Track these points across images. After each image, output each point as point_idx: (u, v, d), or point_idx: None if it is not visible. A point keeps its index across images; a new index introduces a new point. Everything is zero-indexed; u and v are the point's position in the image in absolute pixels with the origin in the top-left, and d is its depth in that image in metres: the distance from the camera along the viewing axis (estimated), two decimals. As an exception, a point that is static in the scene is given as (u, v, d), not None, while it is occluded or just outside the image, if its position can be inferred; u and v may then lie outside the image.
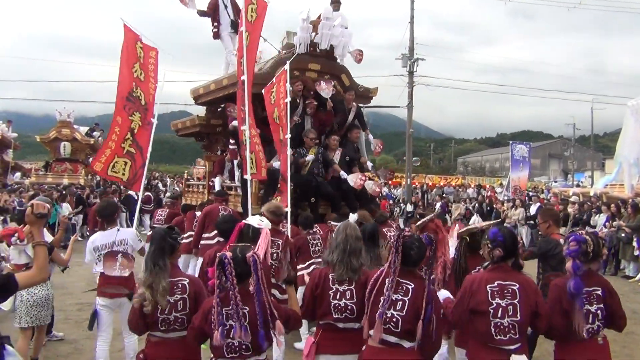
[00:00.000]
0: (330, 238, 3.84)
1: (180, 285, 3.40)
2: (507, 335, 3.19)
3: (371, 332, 3.12)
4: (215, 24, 9.39)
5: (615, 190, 17.15)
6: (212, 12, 9.39)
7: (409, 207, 21.56)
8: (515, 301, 3.21)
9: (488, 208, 18.26)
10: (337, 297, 3.38)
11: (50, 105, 24.17)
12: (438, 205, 20.32)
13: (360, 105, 8.84)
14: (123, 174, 6.56)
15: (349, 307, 3.37)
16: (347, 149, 8.01)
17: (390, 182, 19.27)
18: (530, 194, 24.59)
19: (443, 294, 3.71)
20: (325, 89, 7.88)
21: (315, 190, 7.25)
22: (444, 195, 25.14)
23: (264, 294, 2.96)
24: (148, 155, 6.75)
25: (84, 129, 24.91)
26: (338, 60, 8.44)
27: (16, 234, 5.28)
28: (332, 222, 6.60)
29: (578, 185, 32.08)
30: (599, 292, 3.43)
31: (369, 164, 8.84)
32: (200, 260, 6.49)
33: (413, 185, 28.64)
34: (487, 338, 3.24)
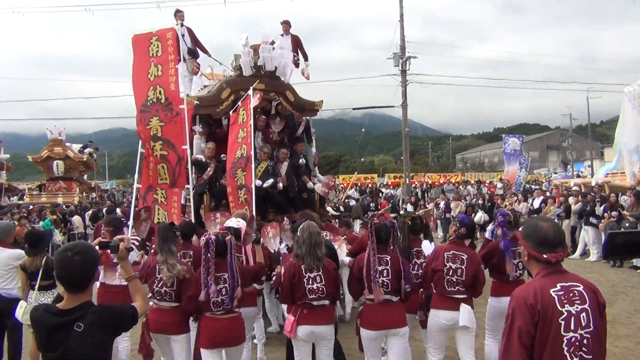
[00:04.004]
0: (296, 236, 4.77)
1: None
2: (456, 287, 4.63)
3: (370, 295, 4.41)
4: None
5: (617, 178, 16.90)
6: (177, 42, 9.85)
7: (409, 207, 21.27)
8: (463, 266, 4.63)
9: (489, 204, 17.97)
10: (310, 282, 4.35)
11: (46, 125, 24.01)
12: (442, 203, 20.03)
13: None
14: (166, 179, 6.87)
15: (320, 289, 4.35)
16: (294, 160, 8.81)
17: (335, 185, 18.90)
18: (533, 187, 24.28)
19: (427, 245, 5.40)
20: (278, 123, 8.84)
21: (264, 199, 7.88)
22: (444, 192, 24.88)
23: (235, 265, 4.29)
24: (186, 146, 6.92)
25: (76, 146, 24.65)
26: (284, 78, 9.10)
27: None
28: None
29: (578, 176, 31.83)
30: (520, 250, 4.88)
31: (318, 176, 9.53)
32: None
33: (412, 185, 28.40)
34: (442, 290, 4.67)
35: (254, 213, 6.71)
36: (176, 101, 6.92)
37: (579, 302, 2.43)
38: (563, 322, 2.39)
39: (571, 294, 2.44)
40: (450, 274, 4.62)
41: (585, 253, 13.35)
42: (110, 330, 2.60)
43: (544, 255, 2.50)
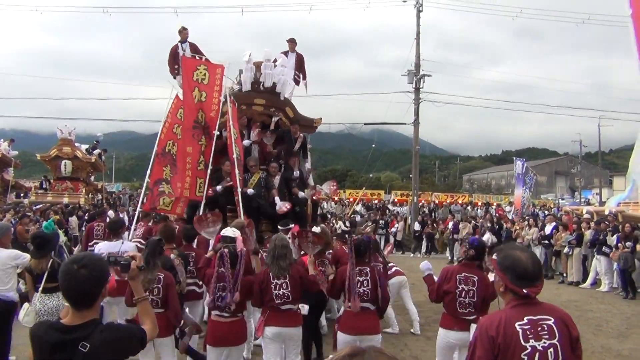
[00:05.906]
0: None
1: (156, 278, 4.78)
2: (467, 310, 4.68)
3: (349, 304, 4.84)
4: (177, 66, 10.27)
5: (630, 208, 16.63)
6: (173, 58, 10.41)
7: (417, 226, 21.03)
8: (474, 288, 4.68)
9: (497, 226, 17.72)
10: (277, 288, 4.83)
11: (56, 124, 24.05)
12: (450, 224, 19.81)
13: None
14: (201, 193, 7.92)
15: (286, 295, 4.83)
16: (287, 173, 9.00)
17: (336, 195, 18.67)
18: (547, 212, 23.98)
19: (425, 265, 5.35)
20: (269, 137, 9.21)
21: (256, 211, 8.10)
22: (452, 213, 24.64)
23: (240, 274, 4.71)
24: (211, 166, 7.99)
25: (85, 147, 24.59)
26: (282, 95, 9.42)
27: None
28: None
29: (588, 203, 31.49)
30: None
31: (311, 182, 9.85)
32: None
33: (420, 204, 28.15)
34: (453, 311, 4.72)
35: (242, 217, 7.04)
36: (212, 127, 7.93)
37: (547, 336, 2.33)
38: (526, 358, 2.29)
39: (539, 328, 2.34)
40: (462, 295, 4.69)
41: (595, 283, 13.05)
42: (118, 353, 2.37)
43: (524, 290, 2.40)
